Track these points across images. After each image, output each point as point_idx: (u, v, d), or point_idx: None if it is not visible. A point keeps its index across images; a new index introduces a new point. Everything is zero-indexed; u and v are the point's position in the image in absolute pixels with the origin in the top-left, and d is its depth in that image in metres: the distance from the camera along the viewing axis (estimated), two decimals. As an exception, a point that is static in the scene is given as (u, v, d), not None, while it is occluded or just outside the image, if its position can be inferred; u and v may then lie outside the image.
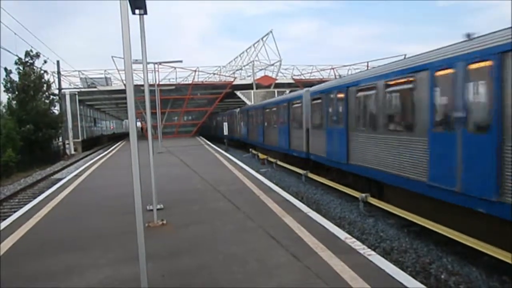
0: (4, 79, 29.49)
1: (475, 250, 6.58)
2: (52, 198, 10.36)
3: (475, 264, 6.75)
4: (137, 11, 6.98)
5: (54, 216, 8.43)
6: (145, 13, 7.09)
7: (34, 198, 11.79)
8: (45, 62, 31.39)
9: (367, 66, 38.60)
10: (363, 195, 10.36)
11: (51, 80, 34.02)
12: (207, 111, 44.17)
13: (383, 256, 5.60)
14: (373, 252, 5.53)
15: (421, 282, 4.78)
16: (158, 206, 7.95)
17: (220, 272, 5.01)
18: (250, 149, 27.33)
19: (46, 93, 32.71)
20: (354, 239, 6.10)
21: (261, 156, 23.17)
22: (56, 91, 34.73)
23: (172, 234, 6.77)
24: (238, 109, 35.50)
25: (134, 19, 6.55)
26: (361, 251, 5.48)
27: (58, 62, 34.24)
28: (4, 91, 29.75)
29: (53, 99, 33.72)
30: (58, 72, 34.57)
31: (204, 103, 43.70)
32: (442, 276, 6.46)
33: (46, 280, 5.00)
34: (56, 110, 34.87)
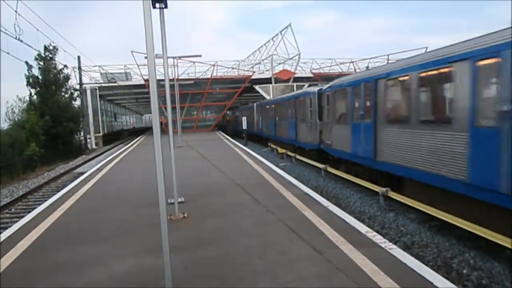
0: (26, 74, 30.31)
1: (498, 244, 6.47)
2: (75, 191, 10.59)
3: (497, 258, 6.64)
4: (157, 5, 7.05)
5: (77, 209, 8.62)
6: (165, 6, 7.15)
7: (58, 191, 12.10)
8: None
9: (387, 60, 38.03)
10: (384, 189, 10.26)
11: (72, 75, 34.82)
12: (226, 106, 44.29)
13: (403, 250, 5.56)
14: (394, 246, 5.49)
15: (443, 276, 4.72)
16: (179, 199, 8.04)
17: (240, 264, 5.06)
18: (269, 143, 27.32)
19: (66, 87, 33.51)
20: (374, 233, 6.06)
21: (280, 150, 23.15)
22: (77, 86, 35.41)
23: (193, 226, 6.86)
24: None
25: (153, 13, 6.61)
26: (382, 245, 5.45)
27: (79, 57, 34.88)
28: (27, 85, 30.58)
29: (72, 93, 34.46)
30: (79, 67, 35.16)
31: (223, 98, 43.76)
32: (464, 271, 6.38)
33: (73, 269, 5.14)
34: (76, 104, 35.62)
